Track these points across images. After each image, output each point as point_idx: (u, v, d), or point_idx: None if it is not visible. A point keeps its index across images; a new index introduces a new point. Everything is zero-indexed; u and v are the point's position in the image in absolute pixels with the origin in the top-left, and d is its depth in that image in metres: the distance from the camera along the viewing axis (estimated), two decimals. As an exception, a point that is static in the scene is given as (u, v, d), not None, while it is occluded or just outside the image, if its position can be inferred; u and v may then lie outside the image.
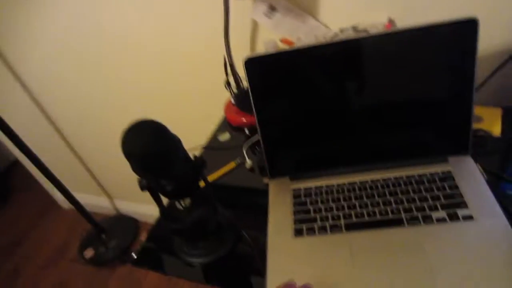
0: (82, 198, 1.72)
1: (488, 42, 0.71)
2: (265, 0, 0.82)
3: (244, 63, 0.60)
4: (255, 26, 0.89)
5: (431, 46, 0.56)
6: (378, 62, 0.58)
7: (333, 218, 0.59)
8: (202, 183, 0.59)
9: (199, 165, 0.56)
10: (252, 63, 0.60)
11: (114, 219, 1.83)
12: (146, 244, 0.67)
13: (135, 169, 0.49)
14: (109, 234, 1.70)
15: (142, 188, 0.53)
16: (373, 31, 0.77)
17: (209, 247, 0.61)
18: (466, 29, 0.54)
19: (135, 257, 0.65)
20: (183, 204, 0.59)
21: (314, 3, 0.81)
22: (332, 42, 0.57)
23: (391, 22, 0.78)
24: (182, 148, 0.52)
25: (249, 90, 0.62)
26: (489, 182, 0.59)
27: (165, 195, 0.56)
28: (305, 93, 0.61)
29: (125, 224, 1.79)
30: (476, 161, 0.62)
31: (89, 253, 1.67)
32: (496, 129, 0.69)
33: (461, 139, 0.62)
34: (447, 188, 0.58)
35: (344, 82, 0.60)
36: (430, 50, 0.56)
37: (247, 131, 0.87)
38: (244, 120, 0.87)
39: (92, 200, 1.87)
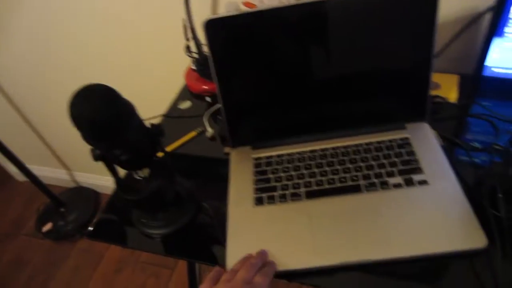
0: (39, 170, 1.65)
1: (447, 8, 0.72)
2: (226, -42, 0.77)
3: (204, 25, 0.57)
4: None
5: (391, 11, 0.55)
6: (340, 27, 0.57)
7: (293, 187, 0.59)
8: (161, 153, 0.57)
9: (156, 133, 0.54)
10: (212, 26, 0.57)
11: (73, 191, 1.77)
12: (103, 216, 0.65)
13: (85, 137, 0.47)
14: (68, 207, 1.65)
15: (95, 158, 0.51)
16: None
17: (169, 218, 0.60)
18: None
19: (91, 229, 0.63)
20: (141, 175, 0.57)
21: (278, -37, 0.78)
22: (293, 4, 0.55)
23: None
24: (136, 115, 0.50)
25: (210, 55, 0.59)
26: (444, 148, 0.61)
27: (121, 166, 0.54)
28: (267, 58, 0.60)
29: (85, 196, 1.73)
30: (433, 127, 0.64)
31: (47, 227, 1.62)
32: (452, 96, 0.71)
33: (419, 106, 0.63)
34: (404, 154, 0.60)
35: (307, 47, 0.58)
36: (390, 15, 0.56)
37: (209, 99, 0.85)
38: (205, 87, 0.84)
39: (50, 173, 1.80)
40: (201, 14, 0.86)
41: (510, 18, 0.64)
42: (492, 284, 0.46)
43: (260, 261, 0.50)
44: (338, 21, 0.57)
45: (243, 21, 0.57)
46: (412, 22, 0.56)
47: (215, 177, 0.67)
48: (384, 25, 0.57)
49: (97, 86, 0.45)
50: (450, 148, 0.62)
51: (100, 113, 0.44)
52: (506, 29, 0.65)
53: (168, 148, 0.74)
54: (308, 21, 0.57)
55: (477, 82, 0.72)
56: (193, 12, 0.80)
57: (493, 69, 0.70)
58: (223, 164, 0.67)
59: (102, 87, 0.45)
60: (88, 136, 0.46)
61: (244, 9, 0.82)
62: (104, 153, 0.51)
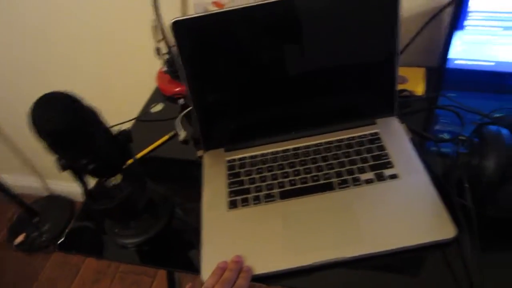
0: (9, 178, 1.58)
1: (411, 2, 0.73)
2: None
3: (171, 26, 0.56)
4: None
5: (356, 9, 0.56)
6: (307, 25, 0.57)
7: (267, 188, 0.59)
8: (130, 160, 0.56)
9: (124, 140, 0.53)
10: (180, 26, 0.55)
11: (46, 200, 1.71)
12: (75, 226, 0.63)
13: (48, 148, 0.45)
14: (42, 217, 1.59)
15: (61, 168, 0.49)
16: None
17: (142, 226, 0.59)
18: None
19: (62, 240, 0.61)
20: (113, 182, 0.56)
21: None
22: (260, 3, 0.55)
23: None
24: (101, 122, 0.48)
25: (179, 56, 0.58)
26: (413, 141, 0.62)
27: (89, 174, 0.52)
28: (237, 58, 0.59)
29: (60, 205, 1.68)
30: (402, 121, 0.65)
31: (19, 239, 1.56)
32: (419, 89, 0.72)
33: (387, 100, 0.64)
34: (374, 149, 0.61)
35: (275, 46, 0.58)
36: (355, 13, 0.56)
37: (182, 101, 0.83)
38: (177, 89, 0.83)
39: (21, 181, 1.72)
40: (171, 15, 0.84)
41: (469, 12, 0.66)
42: (464, 272, 0.47)
43: (235, 273, 0.49)
44: (305, 19, 0.57)
45: (211, 21, 0.56)
46: (375, 18, 0.57)
47: (189, 181, 0.66)
48: (349, 22, 0.57)
49: (56, 95, 0.43)
50: (420, 141, 0.64)
51: (60, 123, 0.42)
52: (466, 23, 0.67)
53: (140, 153, 0.72)
54: (276, 20, 0.57)
55: (441, 74, 0.74)
56: (163, 13, 0.78)
57: (456, 61, 0.72)
58: (197, 167, 0.66)
59: (62, 95, 0.43)
60: (50, 147, 0.45)
61: (213, 9, 0.81)
62: (70, 163, 0.49)
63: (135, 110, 0.84)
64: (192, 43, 0.57)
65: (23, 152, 1.58)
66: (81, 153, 0.47)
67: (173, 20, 0.55)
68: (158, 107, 0.83)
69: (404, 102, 0.69)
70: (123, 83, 1.09)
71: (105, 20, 0.95)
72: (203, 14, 0.56)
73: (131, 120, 0.81)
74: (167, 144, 0.74)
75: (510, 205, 0.45)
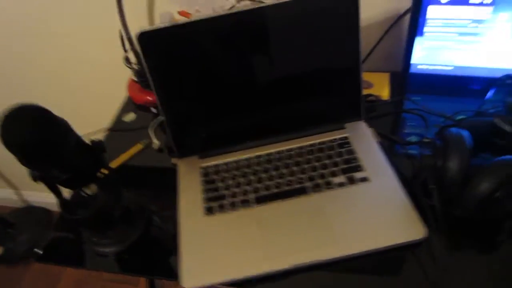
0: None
1: (372, 10, 0.73)
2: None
3: (137, 38, 0.53)
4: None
5: (318, 17, 0.55)
6: (272, 33, 0.56)
7: (243, 193, 0.57)
8: (104, 170, 0.53)
9: (98, 149, 0.50)
10: (146, 38, 0.54)
11: (22, 211, 1.62)
12: (52, 237, 0.60)
13: (19, 160, 0.42)
14: (18, 228, 1.51)
15: (35, 179, 0.46)
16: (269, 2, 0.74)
17: (119, 235, 0.56)
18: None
19: (40, 252, 0.57)
20: (88, 192, 0.53)
21: (211, -28, 0.75)
22: (226, 13, 0.54)
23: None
24: (72, 132, 0.45)
25: (146, 67, 0.56)
26: (382, 144, 0.62)
27: (62, 185, 0.49)
28: (203, 67, 0.57)
29: (36, 216, 1.59)
30: (370, 125, 0.65)
31: (-2, 251, 1.47)
32: (385, 93, 0.72)
33: (354, 105, 0.64)
34: (344, 153, 0.60)
35: (242, 54, 0.57)
36: (318, 21, 0.56)
37: (154, 110, 0.80)
38: (149, 98, 0.80)
39: (-5, 193, 1.64)
40: (138, 23, 0.81)
41: (427, 19, 0.66)
42: (435, 270, 0.47)
43: None
44: (271, 29, 0.56)
45: (177, 32, 0.54)
46: (337, 27, 0.57)
47: (165, 188, 0.63)
48: (313, 30, 0.56)
49: (25, 107, 0.40)
50: (388, 144, 0.63)
51: (29, 136, 0.40)
52: (426, 29, 0.68)
53: (114, 163, 0.69)
54: (242, 29, 0.55)
55: (405, 79, 0.74)
56: (129, 23, 0.75)
57: (418, 66, 0.72)
58: (172, 174, 0.64)
59: (30, 107, 0.41)
60: (21, 159, 0.42)
61: (179, 18, 0.79)
62: (42, 174, 0.46)
63: (106, 120, 0.80)
64: (159, 53, 0.55)
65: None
66: (52, 164, 0.44)
67: (138, 32, 0.53)
68: (131, 116, 0.80)
69: (370, 106, 0.69)
70: (94, 92, 1.05)
71: (73, 29, 0.91)
72: (169, 25, 0.54)
73: (103, 130, 0.77)
74: (142, 152, 0.71)
75: (474, 205, 0.45)
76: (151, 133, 0.72)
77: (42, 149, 0.41)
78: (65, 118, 0.45)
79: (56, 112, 0.43)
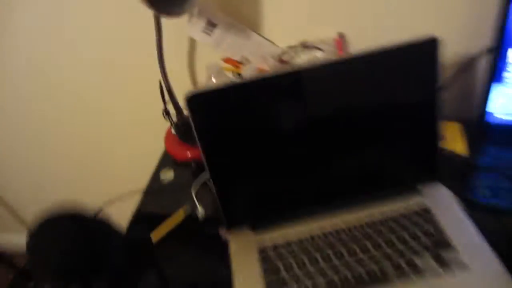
0: None
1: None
2: (202, 15, 0.66)
3: (186, 100, 0.45)
4: (193, 45, 0.73)
5: (390, 69, 0.47)
6: (335, 91, 0.48)
7: (311, 282, 0.47)
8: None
9: (145, 248, 0.41)
10: (195, 100, 0.46)
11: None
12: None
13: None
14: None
15: None
16: (324, 47, 0.66)
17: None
18: (427, 49, 0.46)
19: None
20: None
21: (257, 17, 0.68)
22: (283, 72, 0.46)
23: (341, 36, 0.67)
24: (114, 236, 0.36)
25: (194, 130, 0.47)
26: (468, 214, 0.51)
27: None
28: (257, 128, 0.49)
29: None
30: (448, 187, 0.54)
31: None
32: (459, 147, 0.62)
33: (428, 162, 0.54)
34: (431, 229, 0.49)
35: (300, 113, 0.48)
36: (389, 73, 0.47)
37: (194, 166, 0.71)
38: (188, 154, 0.71)
39: None
40: (179, 73, 0.75)
41: (508, 63, 0.57)
42: None
43: None
44: (337, 84, 0.47)
45: (229, 91, 0.46)
46: (413, 77, 0.48)
47: (216, 265, 0.53)
48: (382, 83, 0.48)
49: (60, 222, 0.31)
50: (472, 212, 0.52)
51: (69, 257, 0.32)
52: (505, 74, 0.58)
53: (154, 235, 0.59)
54: (300, 88, 0.47)
55: (482, 130, 0.63)
56: (169, 72, 0.67)
57: (496, 115, 0.62)
58: (221, 243, 0.54)
59: (66, 220, 0.32)
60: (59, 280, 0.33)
61: (225, 65, 0.71)
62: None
63: (142, 176, 0.72)
64: (207, 115, 0.47)
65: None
66: (93, 278, 0.35)
67: (187, 95, 0.45)
68: (169, 175, 0.71)
69: (445, 163, 0.58)
70: (131, 148, 0.97)
71: (113, 85, 0.85)
72: (220, 86, 0.46)
73: (138, 191, 0.68)
74: (184, 223, 0.61)
75: None
76: (194, 197, 0.63)
77: (82, 266, 0.33)
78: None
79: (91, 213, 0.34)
